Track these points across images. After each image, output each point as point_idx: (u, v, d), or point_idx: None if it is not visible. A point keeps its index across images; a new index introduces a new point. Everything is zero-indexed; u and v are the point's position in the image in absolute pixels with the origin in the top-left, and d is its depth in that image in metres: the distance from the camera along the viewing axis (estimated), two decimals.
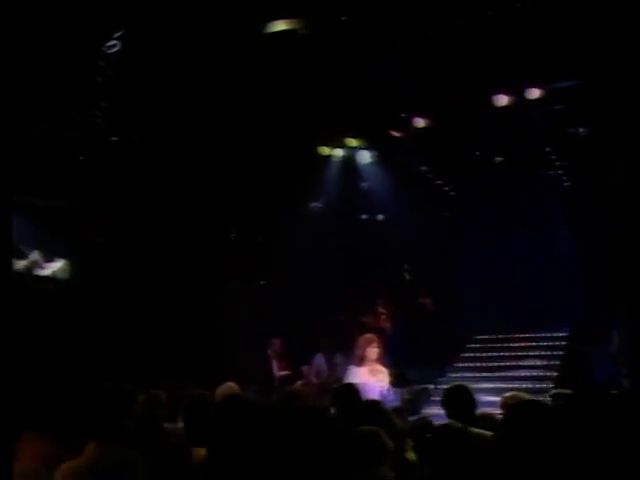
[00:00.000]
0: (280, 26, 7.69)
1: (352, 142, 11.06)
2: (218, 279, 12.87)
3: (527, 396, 5.66)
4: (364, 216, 13.37)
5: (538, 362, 11.31)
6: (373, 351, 7.98)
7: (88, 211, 11.48)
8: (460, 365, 11.91)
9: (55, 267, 11.30)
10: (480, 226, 12.40)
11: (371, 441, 4.12)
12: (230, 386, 6.86)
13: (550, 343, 11.66)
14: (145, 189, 11.39)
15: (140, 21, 7.63)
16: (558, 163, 11.22)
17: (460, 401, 5.23)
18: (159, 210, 11.95)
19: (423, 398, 10.93)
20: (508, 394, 5.89)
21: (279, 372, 11.20)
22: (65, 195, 10.98)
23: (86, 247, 11.47)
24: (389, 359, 12.09)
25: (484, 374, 11.34)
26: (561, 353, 11.35)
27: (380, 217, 13.21)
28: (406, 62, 9.75)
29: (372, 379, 7.81)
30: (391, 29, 9.37)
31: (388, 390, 7.88)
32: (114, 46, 7.68)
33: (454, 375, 11.60)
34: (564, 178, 11.49)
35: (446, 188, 12.63)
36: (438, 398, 9.88)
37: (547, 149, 10.95)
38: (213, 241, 12.95)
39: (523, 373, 11.13)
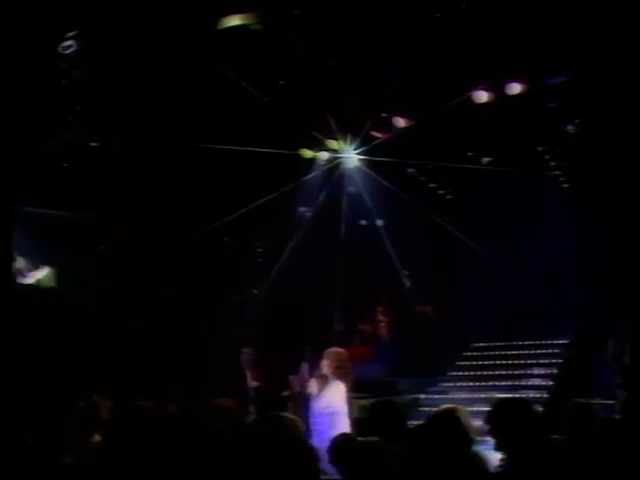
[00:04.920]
0: (235, 21, 7.44)
1: (334, 144, 10.77)
2: (212, 287, 12.68)
3: (463, 409, 5.29)
4: (363, 222, 13.02)
5: (535, 371, 10.88)
6: (323, 364, 7.84)
7: (84, 218, 11.34)
8: (454, 374, 11.53)
9: (40, 275, 11.18)
10: (478, 230, 11.96)
11: (271, 459, 3.83)
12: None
13: (549, 351, 11.21)
14: (137, 196, 11.24)
15: (97, 19, 7.43)
16: (554, 163, 10.79)
17: (386, 417, 4.88)
18: (153, 217, 11.79)
19: (413, 409, 10.55)
20: (442, 407, 5.48)
21: (252, 382, 10.91)
22: (60, 203, 10.86)
23: (78, 255, 11.34)
24: (383, 368, 11.92)
25: (478, 383, 10.96)
26: (560, 361, 10.89)
27: (380, 223, 12.85)
28: (389, 60, 9.48)
29: (321, 391, 7.76)
30: (374, 25, 9.11)
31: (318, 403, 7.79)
32: (70, 46, 7.48)
33: (446, 384, 11.30)
34: (562, 179, 11.05)
35: (441, 191, 12.26)
36: (427, 409, 9.68)
37: (540, 148, 10.54)
38: (207, 248, 12.77)
39: (518, 382, 10.70)
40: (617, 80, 8.97)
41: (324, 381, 7.87)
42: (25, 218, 10.35)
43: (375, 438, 4.36)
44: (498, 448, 4.29)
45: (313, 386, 7.98)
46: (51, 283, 11.23)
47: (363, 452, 4.20)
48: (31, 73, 7.39)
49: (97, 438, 5.49)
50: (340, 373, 7.81)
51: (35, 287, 11.06)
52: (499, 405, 4.24)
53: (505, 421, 4.06)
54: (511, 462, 3.93)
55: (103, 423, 5.76)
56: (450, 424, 4.14)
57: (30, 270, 11.05)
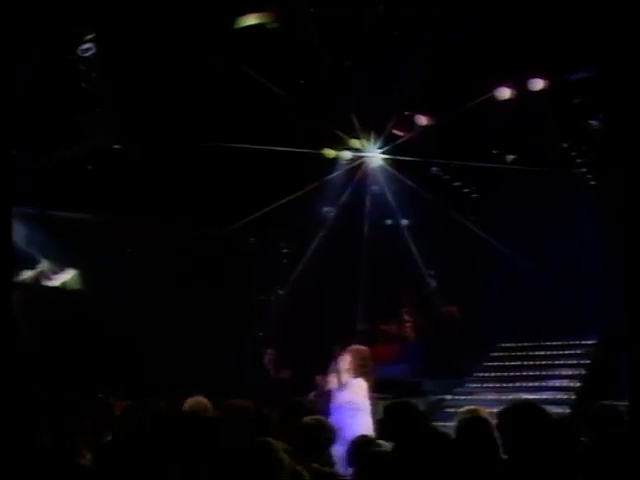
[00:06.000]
0: (251, 20, 7.41)
1: (357, 143, 10.70)
2: (236, 287, 12.67)
3: (485, 410, 5.19)
4: (388, 221, 12.92)
5: (563, 372, 10.72)
6: (345, 361, 7.87)
7: (108, 220, 11.35)
8: (481, 374, 11.39)
9: (65, 277, 11.23)
10: (503, 229, 11.81)
11: (262, 453, 3.80)
12: (198, 400, 6.57)
13: (578, 351, 11.02)
14: (160, 198, 11.24)
15: (115, 21, 7.42)
16: (580, 160, 10.62)
17: (401, 419, 4.79)
18: (176, 219, 11.78)
19: (438, 410, 10.45)
20: (464, 409, 5.40)
21: (278, 377, 10.93)
22: (84, 206, 10.87)
23: (103, 257, 11.35)
24: (408, 369, 11.82)
25: (504, 384, 10.82)
26: (588, 362, 10.70)
27: (404, 222, 12.74)
28: (411, 58, 9.38)
29: (342, 387, 7.76)
30: (395, 23, 9.02)
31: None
32: (89, 49, 7.49)
33: (473, 385, 11.16)
34: (588, 176, 10.86)
35: (466, 190, 12.13)
36: (453, 409, 9.56)
37: (565, 145, 10.38)
38: (232, 249, 12.75)
39: (545, 383, 10.55)
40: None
41: (346, 377, 7.86)
42: (49, 221, 10.45)
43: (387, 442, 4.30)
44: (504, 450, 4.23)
45: (334, 381, 7.96)
46: (77, 285, 11.27)
47: (376, 456, 4.14)
48: (32, 74, 7.40)
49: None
50: (362, 371, 7.80)
51: (61, 289, 11.12)
52: (506, 409, 4.16)
53: (509, 425, 3.99)
54: (510, 464, 3.85)
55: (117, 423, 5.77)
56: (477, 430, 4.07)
57: (55, 272, 11.11)
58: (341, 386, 7.83)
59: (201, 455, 3.91)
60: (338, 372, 7.97)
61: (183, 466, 3.88)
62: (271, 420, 4.97)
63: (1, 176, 4.20)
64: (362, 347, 8.39)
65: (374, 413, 8.11)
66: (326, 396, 9.32)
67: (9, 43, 5.18)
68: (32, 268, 10.83)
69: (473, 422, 4.52)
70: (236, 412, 5.21)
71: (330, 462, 5.34)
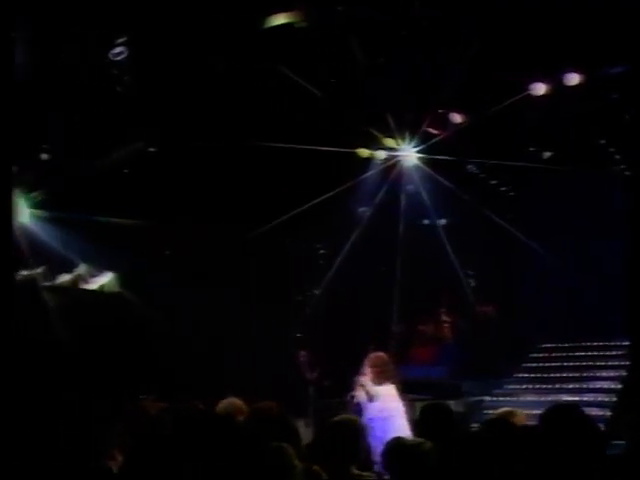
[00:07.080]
0: (280, 19, 7.39)
1: (391, 142, 10.62)
2: (273, 287, 12.67)
3: (521, 412, 5.08)
4: (425, 221, 12.80)
5: (604, 373, 10.50)
6: (367, 371, 7.99)
7: (147, 225, 11.41)
8: (520, 376, 11.22)
9: (103, 281, 11.32)
10: (543, 228, 11.63)
11: (275, 458, 3.78)
12: (232, 402, 6.55)
13: (619, 352, 10.78)
14: (197, 200, 11.28)
15: (145, 24, 7.45)
16: (618, 157, 10.40)
17: (436, 420, 4.72)
18: (213, 221, 11.81)
19: (477, 411, 10.32)
20: (502, 409, 5.30)
21: (311, 382, 10.88)
22: (123, 211, 10.93)
23: (142, 260, 11.40)
24: (446, 370, 11.69)
25: (544, 385, 10.65)
26: (629, 363, 10.47)
27: (442, 222, 12.61)
28: (445, 56, 9.27)
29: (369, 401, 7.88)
30: (428, 20, 8.93)
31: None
32: (121, 53, 7.53)
33: (512, 386, 11.00)
34: (627, 173, 10.62)
35: (503, 188, 11.97)
36: (492, 411, 9.43)
37: (602, 141, 10.17)
38: (268, 250, 12.75)
39: (586, 385, 10.36)
40: None
41: (371, 387, 7.85)
42: (87, 224, 10.53)
43: (422, 440, 4.23)
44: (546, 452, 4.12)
45: (361, 394, 7.94)
46: (115, 288, 11.35)
47: (411, 456, 4.08)
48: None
49: None
50: (385, 377, 7.79)
51: (99, 292, 11.20)
52: (549, 410, 4.04)
53: (552, 427, 3.88)
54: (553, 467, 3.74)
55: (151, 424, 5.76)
56: (504, 430, 3.98)
57: (93, 276, 11.20)
58: (370, 398, 7.80)
59: (220, 457, 3.90)
60: (363, 385, 7.97)
61: (194, 466, 3.88)
62: (290, 422, 4.90)
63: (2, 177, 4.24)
64: (379, 353, 8.55)
65: (411, 415, 8.07)
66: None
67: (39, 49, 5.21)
68: (70, 272, 10.95)
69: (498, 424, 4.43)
70: (259, 414, 5.18)
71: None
